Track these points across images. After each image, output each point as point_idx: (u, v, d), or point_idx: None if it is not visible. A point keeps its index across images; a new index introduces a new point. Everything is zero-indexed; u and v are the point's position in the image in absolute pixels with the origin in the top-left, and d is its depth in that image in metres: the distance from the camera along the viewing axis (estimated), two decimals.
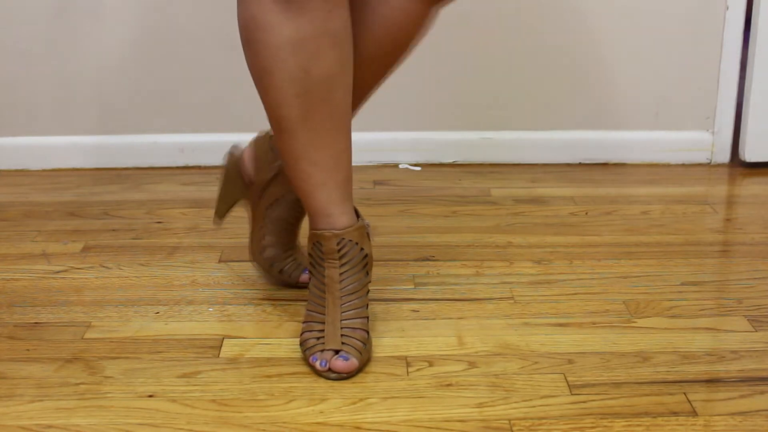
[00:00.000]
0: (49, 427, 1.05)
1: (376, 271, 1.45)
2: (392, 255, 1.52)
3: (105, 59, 1.94)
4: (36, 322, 1.30)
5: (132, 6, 1.90)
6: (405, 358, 1.19)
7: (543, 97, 1.98)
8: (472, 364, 1.17)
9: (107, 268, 1.48)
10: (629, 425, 1.04)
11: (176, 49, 1.94)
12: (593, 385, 1.12)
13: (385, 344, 1.23)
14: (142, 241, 1.59)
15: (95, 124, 1.98)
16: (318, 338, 1.17)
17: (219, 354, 1.21)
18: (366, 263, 1.20)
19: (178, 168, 2.00)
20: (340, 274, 1.17)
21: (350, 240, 1.18)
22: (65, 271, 1.47)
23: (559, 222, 1.66)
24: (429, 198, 1.80)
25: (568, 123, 2.00)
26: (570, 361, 1.18)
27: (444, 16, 1.95)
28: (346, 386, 1.13)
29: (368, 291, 1.21)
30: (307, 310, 1.20)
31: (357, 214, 1.22)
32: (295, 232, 1.38)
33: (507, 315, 1.31)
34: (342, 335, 1.16)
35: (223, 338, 1.25)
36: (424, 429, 1.04)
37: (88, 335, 1.26)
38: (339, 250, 1.17)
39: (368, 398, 1.10)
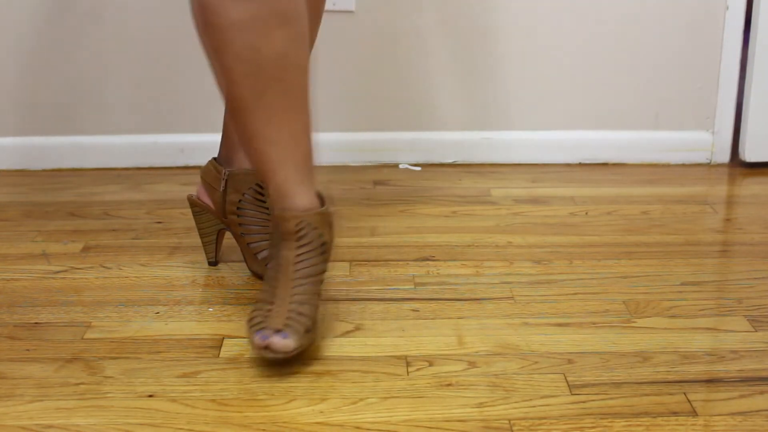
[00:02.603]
0: (49, 427, 1.05)
1: (376, 271, 1.45)
2: (392, 255, 1.52)
3: (105, 59, 1.94)
4: (36, 322, 1.30)
5: (132, 6, 1.90)
6: (405, 358, 1.19)
7: (543, 97, 1.98)
8: (472, 364, 1.17)
9: (107, 268, 1.48)
10: (629, 425, 1.04)
11: (176, 50, 1.94)
12: (593, 385, 1.12)
13: (385, 344, 1.23)
14: (142, 241, 1.59)
15: (95, 124, 1.98)
16: (265, 317, 1.15)
17: (219, 354, 1.21)
18: (324, 251, 1.19)
19: (178, 168, 2.00)
20: (296, 255, 1.17)
21: (309, 223, 1.17)
22: (65, 271, 1.47)
23: (559, 222, 1.66)
24: (429, 198, 1.80)
25: (568, 123, 2.00)
26: (570, 361, 1.18)
27: (444, 15, 1.96)
28: (346, 386, 1.13)
29: (323, 281, 1.20)
30: (262, 290, 1.19)
31: (323, 202, 1.22)
32: None
33: (507, 315, 1.31)
34: (287, 317, 1.14)
35: (223, 338, 1.25)
36: (424, 429, 1.04)
37: (88, 335, 1.26)
38: (297, 232, 1.17)
39: (368, 398, 1.10)
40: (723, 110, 1.98)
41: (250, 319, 1.16)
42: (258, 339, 1.12)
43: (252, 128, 1.16)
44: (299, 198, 1.18)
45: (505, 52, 1.95)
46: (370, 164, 2.00)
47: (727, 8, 1.91)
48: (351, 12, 1.92)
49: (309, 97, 1.19)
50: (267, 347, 1.12)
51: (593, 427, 1.04)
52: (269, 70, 1.13)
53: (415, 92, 1.97)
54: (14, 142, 1.99)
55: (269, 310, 1.15)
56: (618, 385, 1.12)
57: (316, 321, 1.18)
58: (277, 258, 1.18)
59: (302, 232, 1.17)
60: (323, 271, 1.20)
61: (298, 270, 1.17)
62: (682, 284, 1.40)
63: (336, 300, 1.34)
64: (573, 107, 1.99)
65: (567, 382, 1.13)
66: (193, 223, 1.67)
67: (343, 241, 1.57)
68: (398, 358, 1.19)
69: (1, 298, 1.37)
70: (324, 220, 1.19)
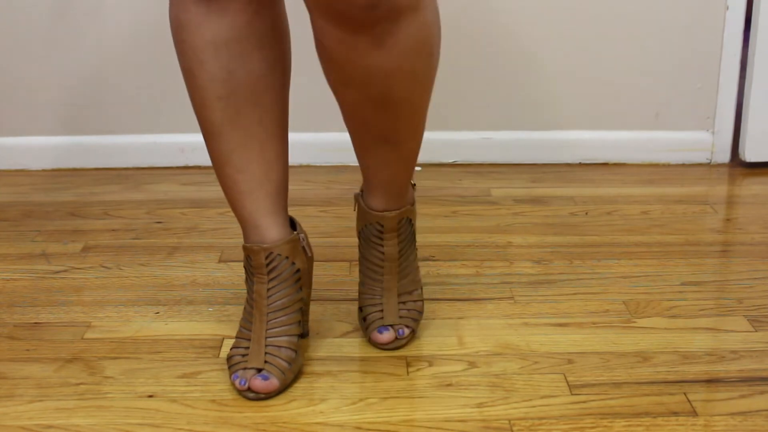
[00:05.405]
0: (49, 427, 1.05)
1: None
2: None
3: (105, 59, 1.94)
4: (36, 322, 1.30)
5: (132, 6, 1.90)
6: (405, 358, 1.19)
7: (543, 97, 1.98)
8: (472, 364, 1.17)
9: (107, 268, 1.48)
10: (629, 425, 1.04)
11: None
12: (593, 385, 1.12)
13: None
14: (142, 241, 1.59)
15: (95, 123, 1.98)
16: (243, 355, 1.12)
17: (219, 354, 1.21)
18: (298, 278, 1.14)
19: (178, 168, 2.00)
20: (268, 289, 1.12)
21: (279, 254, 1.12)
22: (65, 271, 1.47)
23: (559, 222, 1.66)
24: (429, 198, 1.80)
25: (568, 123, 2.00)
26: (570, 361, 1.18)
27: (444, 16, 1.95)
28: (346, 386, 1.13)
29: (301, 308, 1.15)
30: (240, 326, 1.16)
31: (294, 226, 1.17)
32: (382, 278, 1.21)
33: (507, 315, 1.31)
34: (266, 353, 1.11)
35: (223, 338, 1.25)
36: (424, 429, 1.04)
37: (88, 335, 1.26)
38: (267, 265, 1.12)
39: (368, 398, 1.10)
40: (723, 110, 1.98)
41: (230, 358, 1.14)
42: (238, 384, 1.10)
43: (222, 154, 1.11)
44: (268, 229, 1.13)
45: (505, 52, 1.95)
46: None
47: (727, 8, 1.91)
48: None
49: (286, 122, 1.14)
50: (249, 389, 1.10)
51: (593, 427, 1.04)
52: (243, 94, 1.08)
53: None
54: (15, 142, 1.99)
55: (247, 348, 1.13)
56: (618, 385, 1.12)
57: (298, 350, 1.14)
58: (251, 292, 1.14)
59: (272, 264, 1.12)
60: (300, 299, 1.15)
61: (271, 304, 1.12)
62: (682, 284, 1.40)
63: (336, 300, 1.34)
64: (573, 107, 1.99)
65: (567, 382, 1.13)
66: (192, 223, 1.67)
67: (343, 241, 1.57)
68: (398, 358, 1.19)
69: (1, 298, 1.37)
70: (293, 247, 1.14)
